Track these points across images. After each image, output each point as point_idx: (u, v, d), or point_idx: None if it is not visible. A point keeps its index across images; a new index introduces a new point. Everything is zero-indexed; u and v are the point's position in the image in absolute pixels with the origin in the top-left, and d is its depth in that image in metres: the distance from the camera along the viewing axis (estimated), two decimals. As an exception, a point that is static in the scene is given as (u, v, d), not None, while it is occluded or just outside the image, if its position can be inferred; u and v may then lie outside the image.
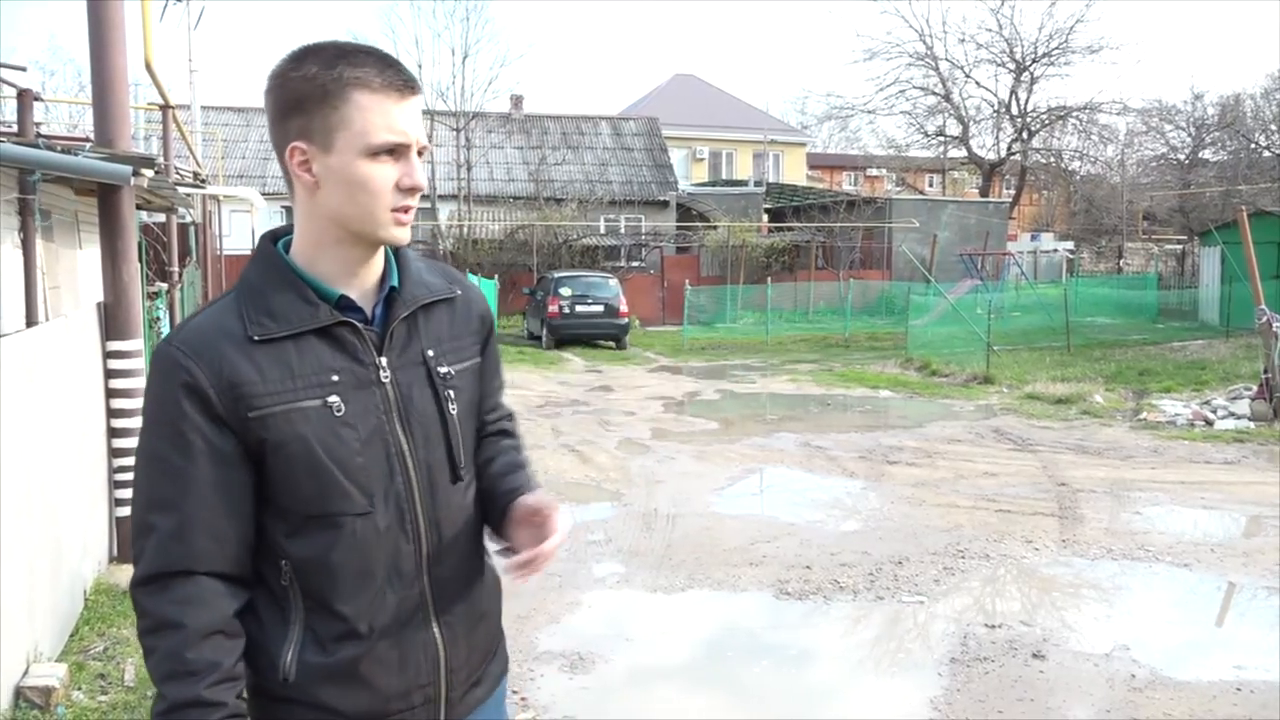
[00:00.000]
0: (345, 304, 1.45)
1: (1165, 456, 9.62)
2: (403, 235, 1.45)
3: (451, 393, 1.52)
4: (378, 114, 1.38)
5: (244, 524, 1.40)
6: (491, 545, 1.65)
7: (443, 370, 1.51)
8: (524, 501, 1.59)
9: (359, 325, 1.44)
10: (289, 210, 1.52)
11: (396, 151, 1.40)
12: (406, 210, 1.43)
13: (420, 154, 1.44)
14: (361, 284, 1.48)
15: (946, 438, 10.69)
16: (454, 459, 1.52)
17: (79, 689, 4.19)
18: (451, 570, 1.52)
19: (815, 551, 6.57)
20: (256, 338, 1.38)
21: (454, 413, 1.52)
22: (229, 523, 1.38)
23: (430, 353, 1.51)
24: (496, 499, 1.62)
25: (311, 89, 1.37)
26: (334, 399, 1.40)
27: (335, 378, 1.41)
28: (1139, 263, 36.52)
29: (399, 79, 1.40)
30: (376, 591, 1.44)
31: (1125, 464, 9.26)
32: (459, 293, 1.58)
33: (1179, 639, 5.23)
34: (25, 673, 4.01)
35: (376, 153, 1.38)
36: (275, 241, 1.50)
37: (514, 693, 4.44)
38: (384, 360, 1.46)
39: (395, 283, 1.50)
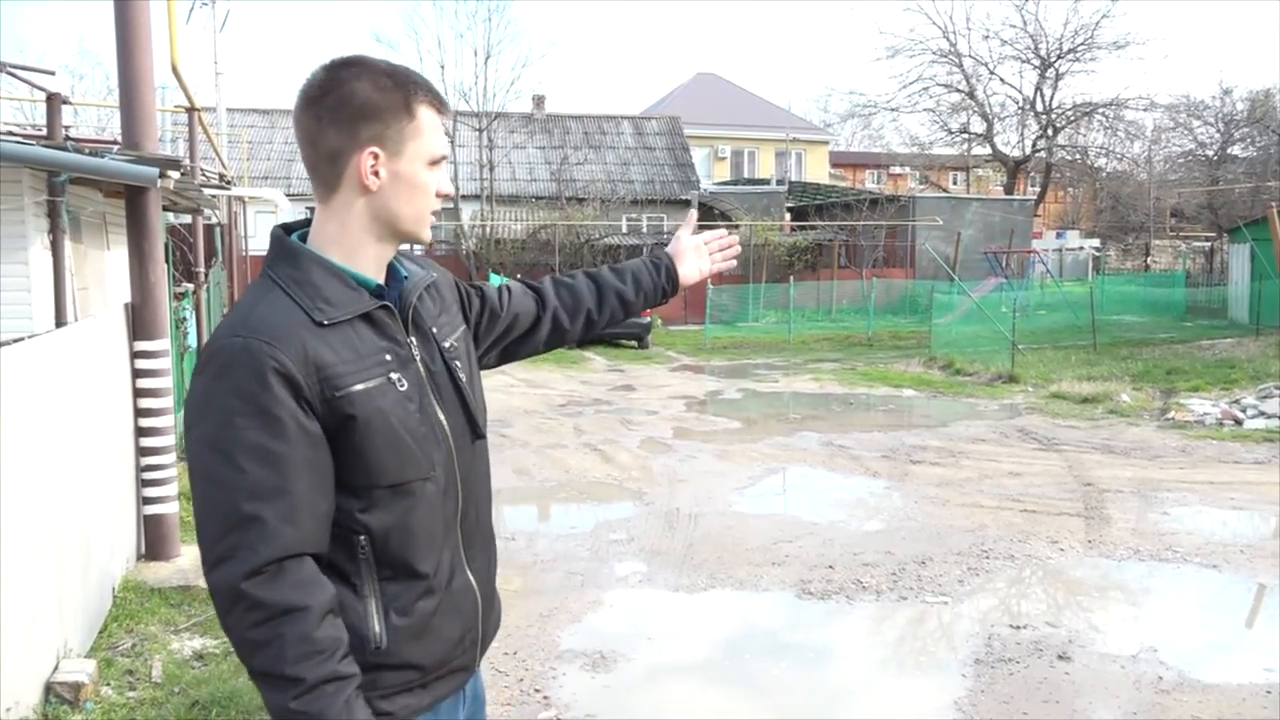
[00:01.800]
0: (378, 291, 1.57)
1: (1194, 456, 9.51)
2: (430, 235, 1.63)
3: (457, 362, 1.67)
4: (437, 129, 1.57)
5: (331, 504, 1.46)
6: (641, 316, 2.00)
7: (446, 344, 1.66)
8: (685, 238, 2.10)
9: (394, 309, 1.57)
10: (314, 210, 1.60)
11: (439, 162, 1.59)
12: (436, 213, 1.62)
13: None
14: (382, 277, 1.61)
15: (971, 437, 10.62)
16: (472, 420, 1.67)
17: (108, 685, 4.24)
18: (474, 522, 1.67)
19: (838, 551, 6.55)
20: (326, 322, 1.47)
21: (463, 380, 1.67)
22: (323, 503, 1.44)
23: (435, 330, 1.65)
24: (640, 278, 2.01)
25: (392, 101, 1.51)
26: (395, 375, 1.52)
27: (388, 357, 1.53)
28: (1166, 260, 36.13)
29: (443, 99, 1.60)
30: (439, 548, 1.57)
31: (1153, 464, 9.16)
32: (435, 275, 1.73)
33: (1207, 641, 5.18)
34: (55, 668, 4.06)
35: (434, 162, 1.57)
36: (288, 236, 1.59)
37: (536, 691, 4.46)
38: (413, 340, 1.59)
39: (406, 274, 1.66)
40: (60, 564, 4.22)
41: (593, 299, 2.00)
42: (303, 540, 1.40)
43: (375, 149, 1.51)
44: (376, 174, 1.51)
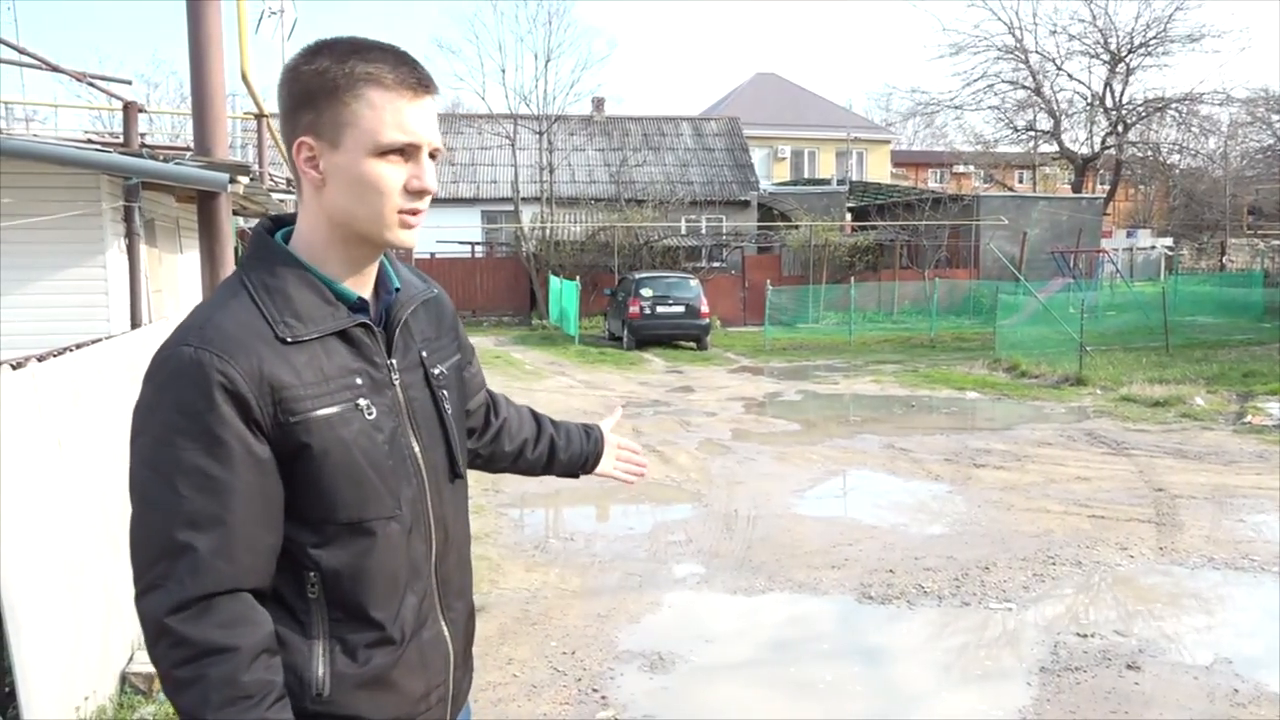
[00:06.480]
0: (359, 306, 1.43)
1: (1271, 461, 9.19)
2: (410, 238, 1.41)
3: (445, 392, 1.53)
4: (389, 112, 1.34)
5: (278, 536, 1.34)
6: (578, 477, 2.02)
7: (435, 371, 1.52)
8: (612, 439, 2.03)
9: (374, 327, 1.43)
10: None
11: (406, 152, 1.36)
12: (415, 213, 1.40)
13: (433, 156, 1.40)
14: (365, 285, 1.46)
15: (1036, 441, 10.40)
16: (453, 458, 1.53)
17: (179, 676, 4.36)
18: (452, 567, 1.53)
19: (899, 555, 6.46)
20: (290, 339, 1.33)
21: (449, 412, 1.53)
22: (268, 535, 1.32)
23: (424, 354, 1.51)
24: (572, 437, 1.94)
25: (322, 83, 1.33)
26: (363, 401, 1.38)
27: (359, 380, 1.38)
28: (1243, 259, 34.95)
29: (413, 77, 1.36)
30: (402, 595, 1.43)
31: (1228, 469, 8.88)
32: (435, 292, 1.57)
33: (1286, 653, 5.00)
34: (130, 659, 4.19)
35: (385, 152, 1.35)
36: (273, 233, 1.45)
37: (594, 690, 4.48)
38: (394, 362, 1.44)
39: (398, 284, 1.50)
40: (135, 558, 4.34)
41: (531, 433, 1.90)
42: (237, 576, 1.28)
43: (307, 139, 1.35)
44: (315, 167, 1.35)
